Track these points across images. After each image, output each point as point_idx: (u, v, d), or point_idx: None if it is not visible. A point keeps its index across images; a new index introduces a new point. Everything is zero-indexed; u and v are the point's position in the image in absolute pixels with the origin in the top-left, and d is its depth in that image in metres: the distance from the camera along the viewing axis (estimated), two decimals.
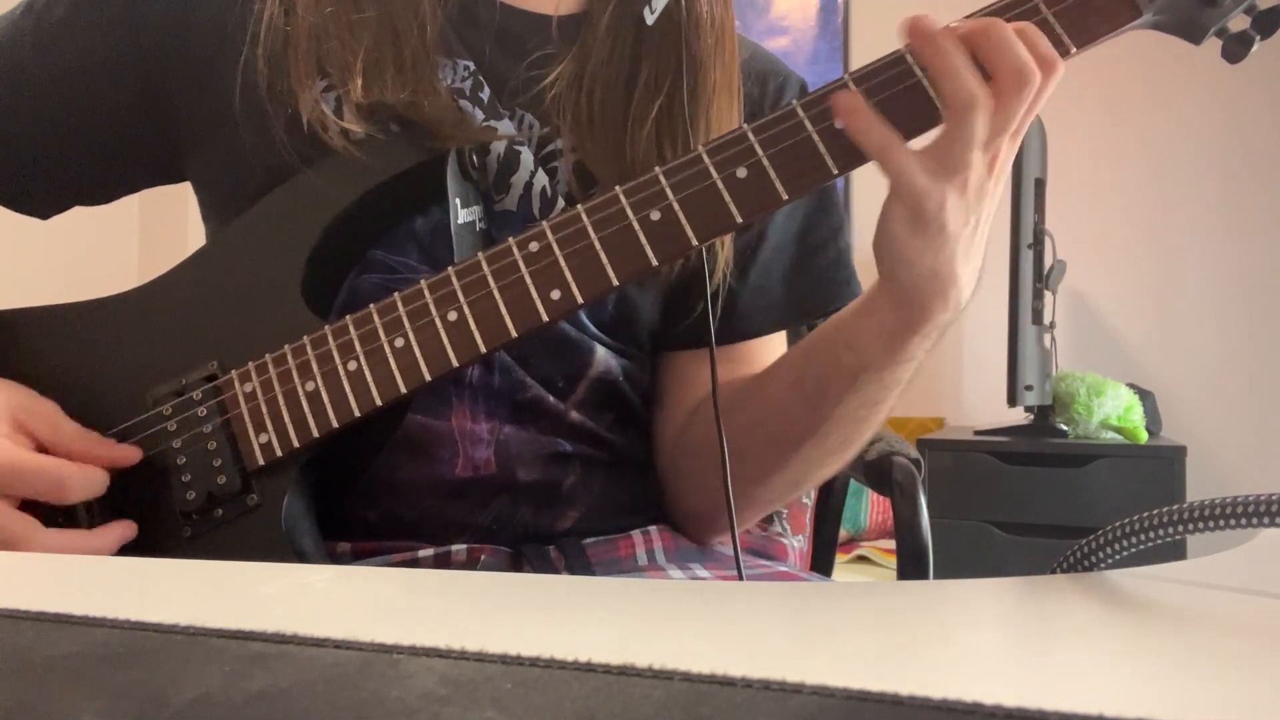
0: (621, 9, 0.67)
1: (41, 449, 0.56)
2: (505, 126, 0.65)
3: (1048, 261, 2.07)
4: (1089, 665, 0.24)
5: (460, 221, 0.61)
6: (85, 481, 0.55)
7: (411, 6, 0.63)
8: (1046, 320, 2.11)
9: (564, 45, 0.67)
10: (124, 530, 0.56)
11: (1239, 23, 0.58)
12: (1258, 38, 0.57)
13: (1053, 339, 2.19)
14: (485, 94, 0.65)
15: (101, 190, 0.72)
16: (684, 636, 0.27)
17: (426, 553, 0.61)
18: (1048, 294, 2.11)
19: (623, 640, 0.26)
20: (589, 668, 0.22)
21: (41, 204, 0.71)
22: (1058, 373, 2.21)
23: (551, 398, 0.65)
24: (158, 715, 0.20)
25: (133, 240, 2.91)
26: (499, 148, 0.64)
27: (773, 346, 0.75)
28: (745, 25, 2.78)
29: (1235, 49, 0.58)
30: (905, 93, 0.54)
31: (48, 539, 0.54)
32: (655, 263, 0.54)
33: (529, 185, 0.64)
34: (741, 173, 0.54)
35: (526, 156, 0.64)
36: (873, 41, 2.66)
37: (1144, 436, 2.11)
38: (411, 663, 0.23)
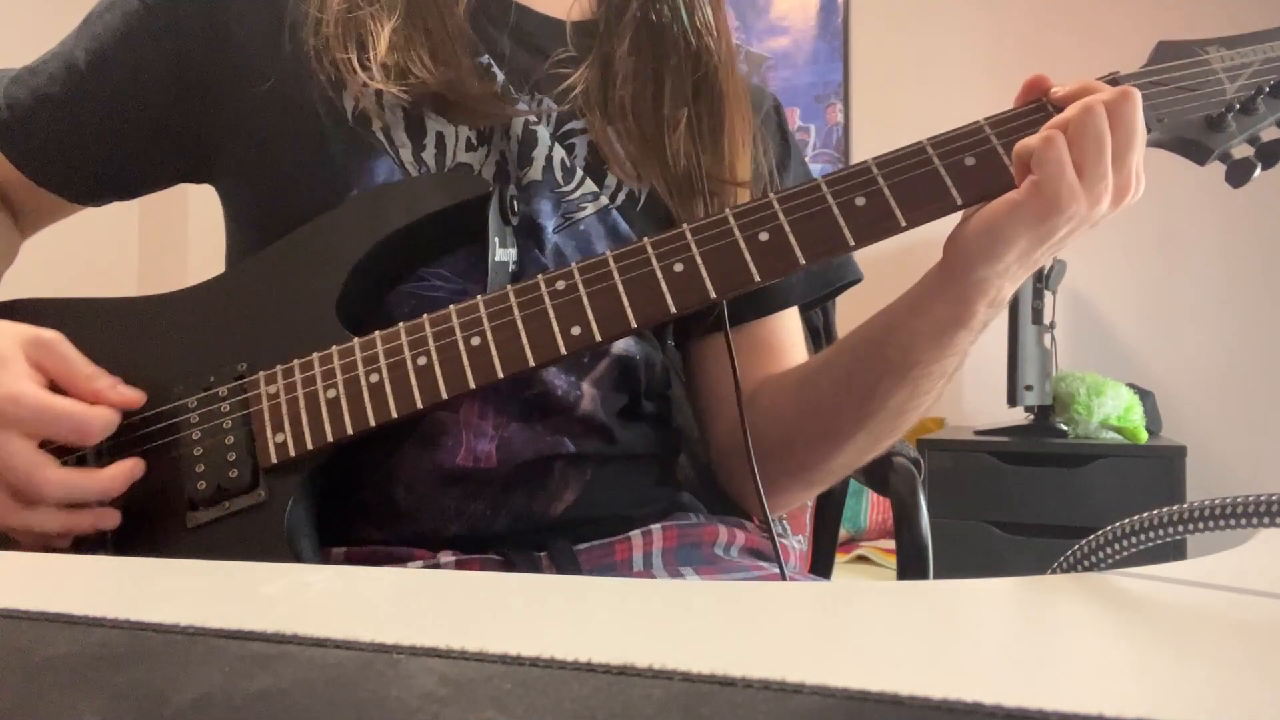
0: (641, 27, 0.72)
1: (52, 384, 0.57)
2: (523, 109, 0.68)
3: (1047, 262, 2.07)
4: (1089, 665, 0.24)
5: (496, 259, 0.64)
6: (103, 424, 0.57)
7: None
8: (1046, 320, 2.11)
9: (581, 51, 0.71)
10: (132, 467, 0.58)
11: (1242, 150, 0.58)
12: (1259, 166, 0.58)
13: (1053, 339, 2.19)
14: (500, 81, 0.68)
15: (134, 185, 0.74)
16: (684, 636, 0.27)
17: (416, 565, 0.62)
18: (1047, 294, 2.11)
19: (623, 640, 0.26)
20: (589, 668, 0.22)
21: (81, 191, 0.73)
22: (1058, 373, 2.21)
23: (559, 392, 0.65)
24: (158, 715, 0.20)
25: (133, 240, 2.91)
26: (518, 130, 0.67)
27: (790, 325, 0.79)
28: (745, 25, 2.78)
29: (1238, 174, 0.58)
30: (923, 177, 0.57)
31: (62, 476, 0.55)
32: (674, 311, 0.56)
33: (549, 158, 0.68)
34: (764, 236, 0.57)
35: (543, 134, 0.68)
36: (873, 42, 2.66)
37: (1144, 436, 2.11)
38: (411, 663, 0.23)
